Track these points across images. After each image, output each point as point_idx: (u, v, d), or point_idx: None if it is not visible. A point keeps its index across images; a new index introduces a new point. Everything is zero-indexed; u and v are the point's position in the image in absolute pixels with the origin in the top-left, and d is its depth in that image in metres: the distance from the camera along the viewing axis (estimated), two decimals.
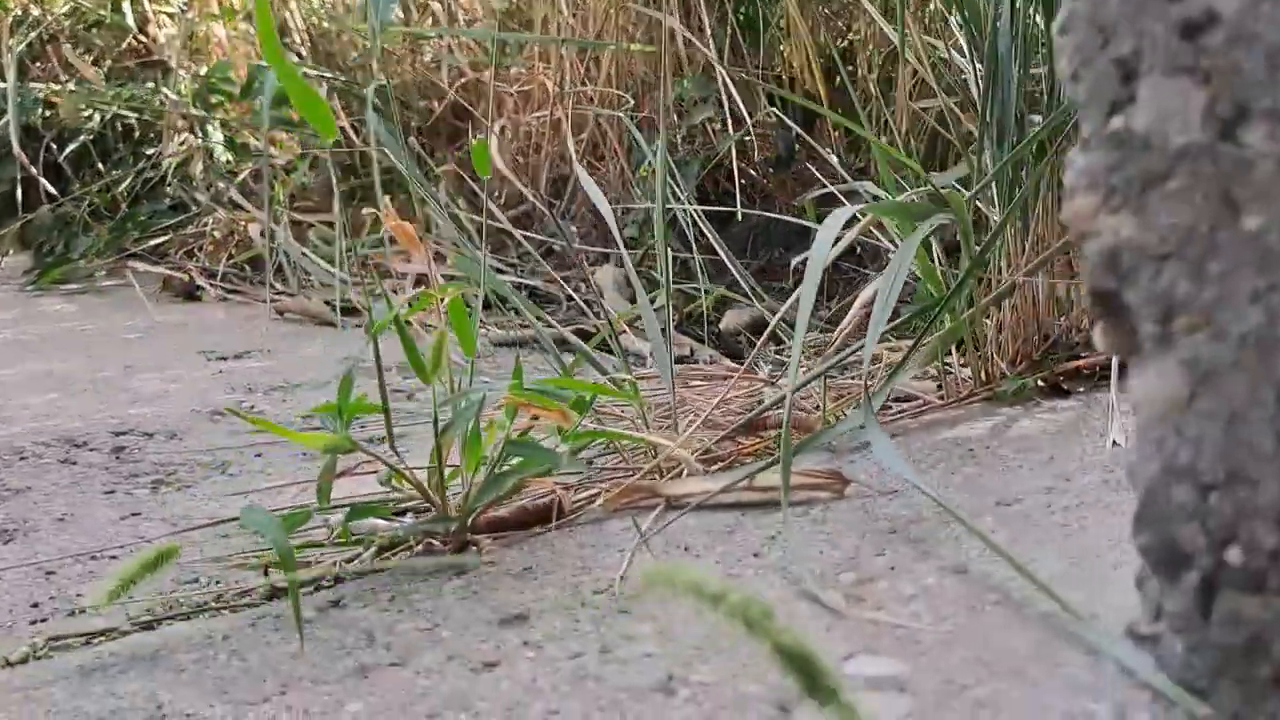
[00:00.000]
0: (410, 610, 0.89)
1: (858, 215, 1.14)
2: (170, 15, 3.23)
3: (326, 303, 2.30)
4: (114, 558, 1.08)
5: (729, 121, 2.32)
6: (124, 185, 2.96)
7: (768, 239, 2.38)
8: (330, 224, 2.63)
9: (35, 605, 0.97)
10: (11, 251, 2.98)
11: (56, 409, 1.73)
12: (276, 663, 0.80)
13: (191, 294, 2.56)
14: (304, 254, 2.46)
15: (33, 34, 3.15)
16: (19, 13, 3.25)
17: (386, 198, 1.34)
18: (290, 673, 0.79)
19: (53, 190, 2.95)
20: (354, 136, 2.78)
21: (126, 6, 3.21)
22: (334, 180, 2.34)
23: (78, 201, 2.94)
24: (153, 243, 2.82)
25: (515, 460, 0.99)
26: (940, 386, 1.37)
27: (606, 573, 0.95)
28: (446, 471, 0.99)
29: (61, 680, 0.79)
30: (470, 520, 0.99)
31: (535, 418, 0.99)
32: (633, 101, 2.46)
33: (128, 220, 2.86)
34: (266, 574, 0.95)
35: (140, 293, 2.48)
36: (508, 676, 0.78)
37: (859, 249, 2.18)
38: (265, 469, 1.47)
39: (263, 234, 2.61)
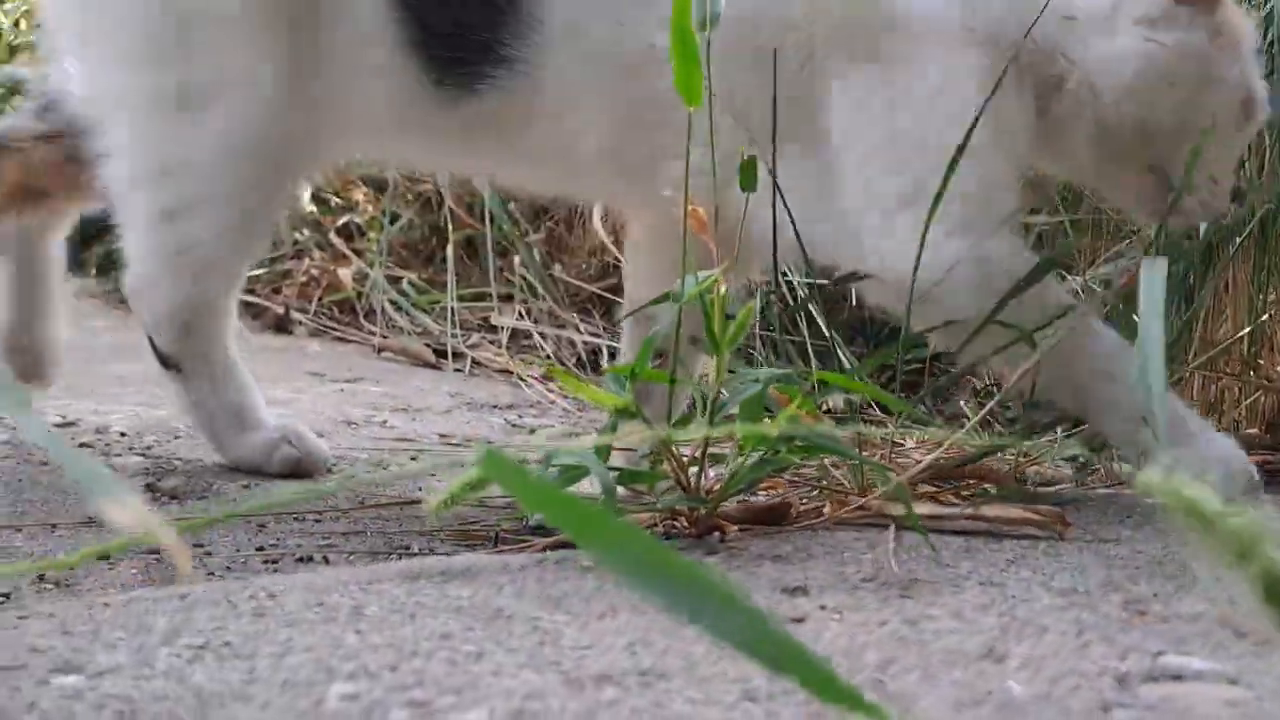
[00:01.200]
0: None
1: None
2: None
3: (427, 344, 2.32)
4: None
5: None
6: None
7: (861, 329, 2.41)
8: (419, 276, 2.66)
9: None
10: (95, 273, 2.99)
11: None
12: (592, 592, 0.80)
13: (282, 327, 2.57)
14: (400, 298, 2.48)
15: None
16: None
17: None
18: (612, 600, 0.78)
19: None
20: (445, 198, 2.83)
21: None
22: (450, 230, 2.38)
23: None
24: None
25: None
26: None
27: (862, 567, 0.95)
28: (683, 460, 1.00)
29: (388, 582, 0.78)
30: (718, 505, 0.99)
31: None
32: None
33: None
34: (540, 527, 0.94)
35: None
36: (821, 632, 0.78)
37: None
38: (425, 468, 1.46)
39: (356, 278, 2.64)
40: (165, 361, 1.34)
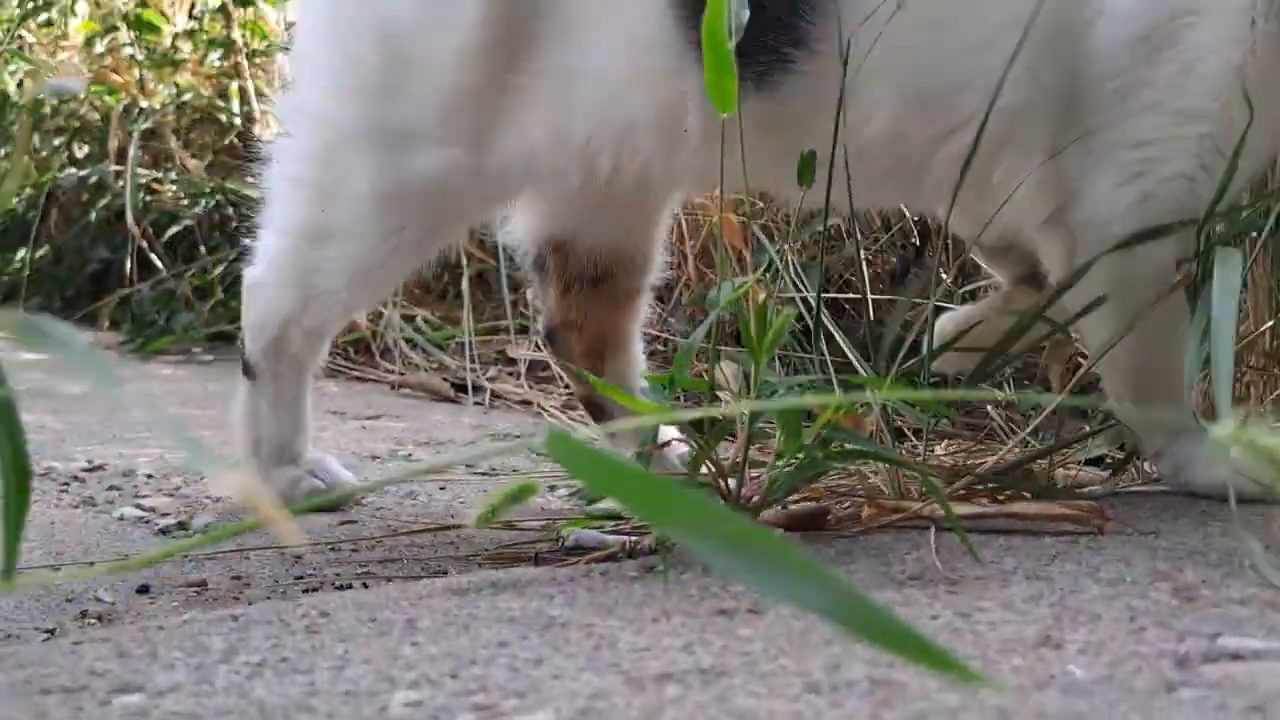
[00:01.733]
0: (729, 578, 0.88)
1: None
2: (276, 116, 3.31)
3: (446, 379, 2.32)
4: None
5: (844, 232, 2.38)
6: (219, 271, 2.99)
7: (880, 350, 2.42)
8: (433, 313, 2.66)
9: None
10: (108, 326, 3.00)
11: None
12: (642, 599, 0.79)
13: None
14: (415, 335, 2.48)
15: (146, 123, 3.22)
16: (128, 100, 3.34)
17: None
18: (663, 605, 0.78)
19: (160, 265, 2.99)
20: None
21: (235, 104, 3.29)
22: (463, 265, 2.38)
23: (177, 279, 2.97)
24: None
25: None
26: None
27: (907, 566, 0.94)
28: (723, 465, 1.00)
29: (437, 597, 0.78)
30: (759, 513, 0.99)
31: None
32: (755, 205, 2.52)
33: (232, 299, 2.89)
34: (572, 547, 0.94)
35: None
36: None
37: None
38: (455, 499, 1.47)
39: (370, 317, 2.64)
40: (245, 365, 1.34)
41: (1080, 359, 1.87)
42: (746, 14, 0.96)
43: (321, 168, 1.25)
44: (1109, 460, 1.42)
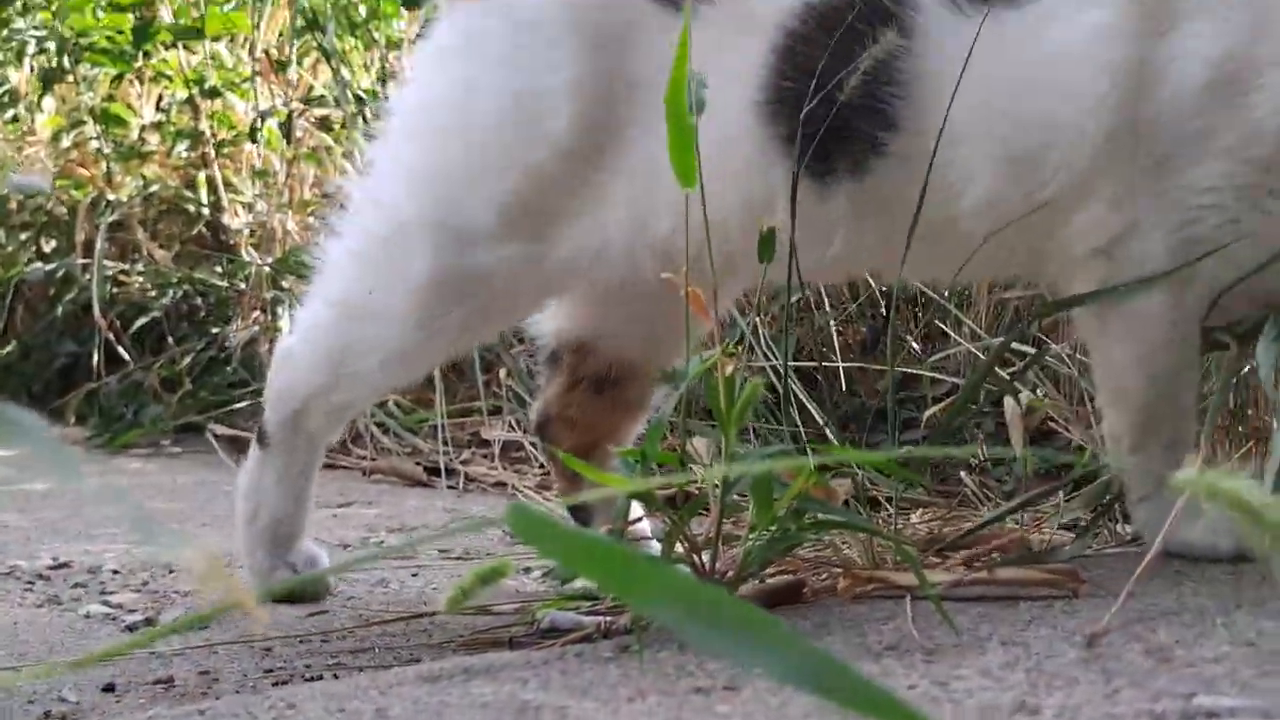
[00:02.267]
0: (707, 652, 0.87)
1: None
2: (245, 205, 3.32)
3: (418, 463, 2.30)
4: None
5: (813, 304, 2.39)
6: (187, 361, 2.98)
7: (854, 420, 2.42)
8: (404, 396, 2.65)
9: None
10: (74, 421, 2.97)
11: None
12: (617, 679, 0.78)
13: None
14: (387, 419, 2.47)
15: (113, 215, 3.23)
16: (95, 193, 3.34)
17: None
18: (639, 685, 0.77)
19: (127, 357, 2.97)
20: None
21: (203, 194, 3.30)
22: None
23: (145, 371, 2.96)
24: (218, 413, 2.83)
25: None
26: None
27: (883, 636, 0.94)
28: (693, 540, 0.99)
29: (408, 685, 0.77)
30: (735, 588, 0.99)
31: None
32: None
33: (201, 389, 2.87)
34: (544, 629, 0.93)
35: (221, 454, 2.47)
36: None
37: None
38: (427, 585, 1.45)
39: None
40: (261, 432, 1.33)
41: (1051, 420, 1.88)
42: (706, 93, 0.97)
43: (380, 249, 1.26)
44: (1082, 523, 1.42)
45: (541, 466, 2.22)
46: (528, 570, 1.41)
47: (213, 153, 3.26)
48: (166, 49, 3.34)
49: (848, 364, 2.26)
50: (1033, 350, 1.68)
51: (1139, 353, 1.18)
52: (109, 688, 1.05)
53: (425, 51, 1.35)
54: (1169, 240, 1.14)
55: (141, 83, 3.44)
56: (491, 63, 1.25)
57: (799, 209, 1.16)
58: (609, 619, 1.04)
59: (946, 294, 2.17)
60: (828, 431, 1.91)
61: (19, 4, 3.26)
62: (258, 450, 1.33)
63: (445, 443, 2.23)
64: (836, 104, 1.14)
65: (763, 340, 2.12)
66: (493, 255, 1.23)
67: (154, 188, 3.32)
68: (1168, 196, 1.14)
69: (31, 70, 3.57)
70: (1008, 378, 1.70)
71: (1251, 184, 1.13)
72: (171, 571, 1.52)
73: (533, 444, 2.30)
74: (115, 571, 1.54)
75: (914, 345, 2.38)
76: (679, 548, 0.98)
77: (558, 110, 1.21)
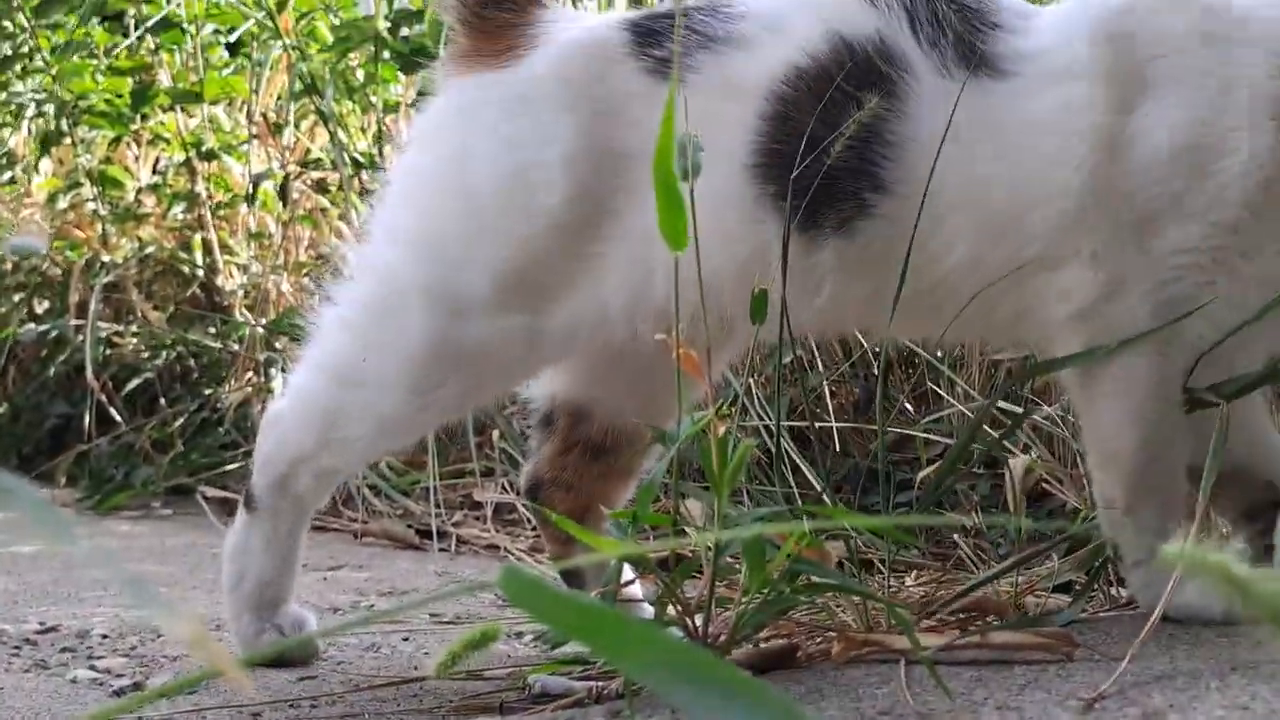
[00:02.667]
0: None
1: None
2: (240, 266, 3.33)
3: (410, 525, 2.29)
4: None
5: (806, 364, 2.40)
6: (179, 422, 2.97)
7: (848, 481, 2.42)
8: (397, 458, 2.64)
9: None
10: (64, 482, 2.96)
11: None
12: None
13: None
14: (379, 481, 2.46)
15: (107, 276, 3.23)
16: (89, 255, 3.36)
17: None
18: None
19: (119, 418, 2.97)
20: None
21: (198, 255, 3.31)
22: None
23: (136, 433, 2.95)
24: (209, 475, 2.81)
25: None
26: None
27: (878, 703, 0.93)
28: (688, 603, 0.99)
29: None
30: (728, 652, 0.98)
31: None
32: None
33: (192, 451, 2.86)
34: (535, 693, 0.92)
35: (211, 516, 2.45)
36: None
37: None
38: (418, 649, 1.44)
39: None
40: (248, 495, 1.32)
41: (1045, 482, 1.88)
42: (702, 156, 0.98)
43: (375, 317, 1.26)
44: (1077, 586, 1.42)
45: (534, 529, 2.21)
46: (519, 634, 1.40)
47: (209, 215, 3.27)
48: (165, 112, 3.37)
49: (841, 424, 2.26)
50: (1024, 410, 1.68)
51: (1127, 415, 1.19)
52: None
53: (422, 122, 1.36)
54: (1151, 301, 1.16)
55: (139, 145, 3.46)
56: (486, 135, 1.26)
57: (789, 260, 1.18)
58: (600, 684, 1.04)
59: (939, 354, 2.18)
60: (822, 493, 1.91)
61: (18, 67, 3.28)
62: (245, 514, 1.32)
63: (437, 505, 2.22)
64: (825, 165, 1.16)
65: (756, 401, 2.12)
66: (489, 325, 1.23)
67: (149, 249, 3.33)
68: (1148, 258, 1.16)
69: (30, 133, 3.60)
70: (999, 439, 1.70)
71: (1222, 246, 1.15)
72: (160, 636, 1.50)
73: (525, 506, 2.29)
74: (104, 636, 1.53)
75: (907, 406, 2.38)
76: (671, 611, 0.97)
77: (552, 184, 1.22)
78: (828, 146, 1.15)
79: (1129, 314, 1.16)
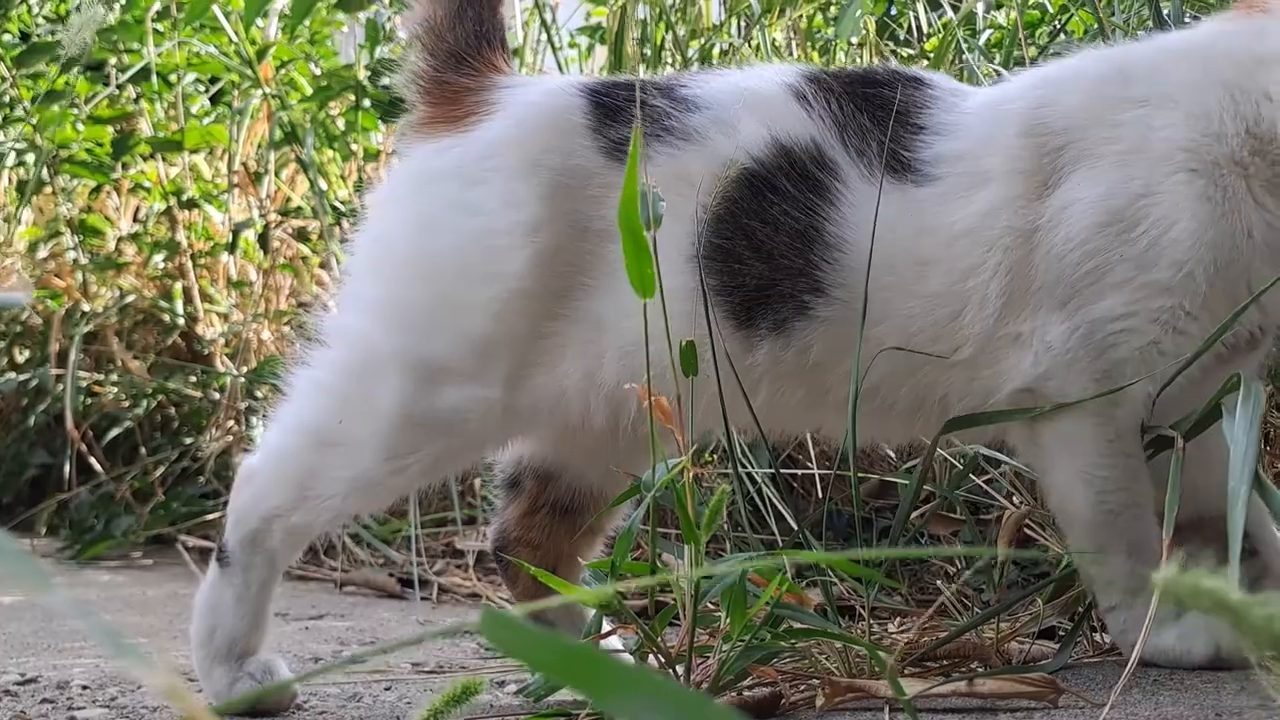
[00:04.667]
0: None
1: None
2: (221, 315, 3.33)
3: (392, 574, 2.28)
4: None
5: None
6: (160, 471, 2.95)
7: (829, 528, 2.41)
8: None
9: None
10: (44, 532, 2.94)
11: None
12: None
13: None
14: (361, 530, 2.45)
15: (88, 326, 3.22)
16: (70, 304, 3.34)
17: None
18: None
19: (99, 468, 2.95)
20: None
21: (179, 304, 3.30)
22: None
23: (117, 482, 2.93)
24: (190, 524, 2.80)
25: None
26: None
27: None
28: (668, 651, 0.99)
29: None
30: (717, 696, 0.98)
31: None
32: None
33: (172, 501, 2.85)
34: None
35: (193, 566, 2.44)
36: None
37: None
38: (400, 699, 1.43)
39: None
40: (220, 550, 1.32)
41: (1028, 527, 1.88)
42: (664, 206, 0.99)
43: (351, 380, 1.27)
44: (1061, 632, 1.42)
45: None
46: (502, 684, 1.39)
47: (190, 263, 3.27)
48: (145, 160, 3.38)
49: (823, 471, 2.26)
50: (1009, 457, 1.69)
51: (1078, 475, 1.21)
52: None
53: (383, 190, 1.38)
54: (1089, 371, 1.19)
55: (120, 194, 3.46)
56: (448, 202, 1.27)
57: (731, 358, 1.21)
58: None
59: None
60: (801, 536, 1.91)
61: None
62: (217, 568, 1.32)
63: (419, 553, 2.21)
64: (767, 263, 1.20)
65: (737, 448, 2.12)
66: (459, 395, 1.24)
67: (130, 298, 3.33)
68: (1079, 332, 1.19)
69: (10, 181, 3.60)
70: (983, 485, 1.71)
71: (1160, 308, 1.18)
72: (140, 687, 1.49)
73: (494, 561, 2.28)
74: (84, 686, 1.51)
75: (890, 453, 2.39)
76: (652, 660, 0.97)
77: (514, 249, 1.23)
78: (767, 244, 1.19)
79: (1072, 385, 1.19)
